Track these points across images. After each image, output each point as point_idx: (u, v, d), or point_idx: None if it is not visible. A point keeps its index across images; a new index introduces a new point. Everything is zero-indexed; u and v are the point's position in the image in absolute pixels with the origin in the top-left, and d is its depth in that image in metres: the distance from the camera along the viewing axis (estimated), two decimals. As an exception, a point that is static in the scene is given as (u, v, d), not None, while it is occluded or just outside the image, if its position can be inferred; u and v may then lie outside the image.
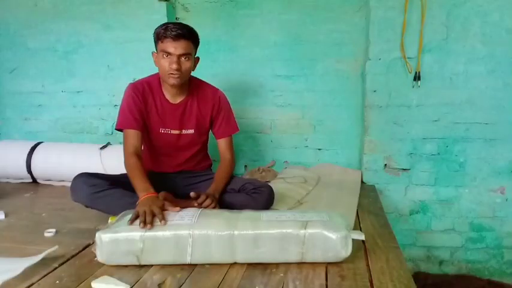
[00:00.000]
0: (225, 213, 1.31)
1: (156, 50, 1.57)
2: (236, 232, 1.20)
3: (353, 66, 2.29)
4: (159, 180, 1.67)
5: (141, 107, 1.62)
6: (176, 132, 1.69)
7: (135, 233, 1.19)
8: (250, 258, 1.21)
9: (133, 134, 1.58)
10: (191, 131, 1.71)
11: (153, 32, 1.55)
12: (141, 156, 1.58)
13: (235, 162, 1.81)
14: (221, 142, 1.76)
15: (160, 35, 1.49)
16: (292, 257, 1.20)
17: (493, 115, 2.06)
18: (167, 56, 1.51)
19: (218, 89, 1.77)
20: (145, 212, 1.23)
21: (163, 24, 1.51)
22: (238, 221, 1.23)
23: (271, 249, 1.20)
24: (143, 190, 1.38)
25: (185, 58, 1.52)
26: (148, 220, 1.20)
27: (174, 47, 1.49)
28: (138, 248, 1.19)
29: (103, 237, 1.19)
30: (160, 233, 1.20)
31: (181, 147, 1.73)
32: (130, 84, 1.65)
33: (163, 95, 1.66)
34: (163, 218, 1.22)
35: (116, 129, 1.64)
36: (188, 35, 1.51)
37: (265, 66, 2.37)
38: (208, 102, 1.72)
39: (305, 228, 1.19)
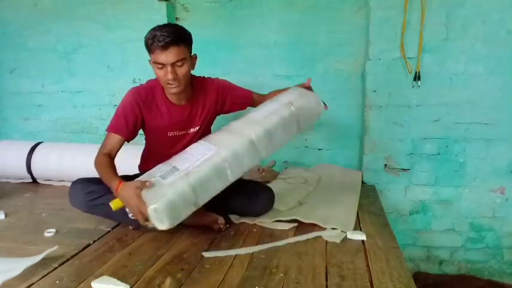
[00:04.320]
0: (229, 131, 1.47)
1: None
2: (253, 136, 1.39)
3: (353, 66, 2.28)
4: None
5: (138, 116, 1.55)
6: (183, 132, 1.65)
7: (183, 188, 1.26)
8: (269, 151, 1.44)
9: (117, 139, 1.52)
10: (196, 128, 1.67)
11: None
12: (113, 160, 1.53)
13: None
14: (254, 96, 1.76)
15: (149, 45, 1.43)
16: (294, 132, 1.50)
17: (493, 115, 2.06)
18: (161, 67, 1.44)
19: (215, 79, 1.72)
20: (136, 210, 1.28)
21: (151, 33, 1.44)
22: (245, 129, 1.42)
23: (280, 135, 1.44)
24: (113, 179, 1.36)
25: (180, 64, 1.44)
26: (142, 221, 1.28)
27: (166, 57, 1.41)
28: (191, 197, 1.27)
29: (159, 207, 1.21)
30: (202, 174, 1.29)
31: (186, 145, 1.70)
32: (133, 89, 1.58)
33: (168, 99, 1.60)
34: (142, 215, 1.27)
35: (106, 130, 1.57)
36: (177, 40, 1.41)
37: (265, 66, 2.37)
38: (212, 95, 1.67)
39: (293, 105, 1.47)
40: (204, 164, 1.31)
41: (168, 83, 1.46)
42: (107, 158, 1.48)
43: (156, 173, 1.36)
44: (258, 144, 1.39)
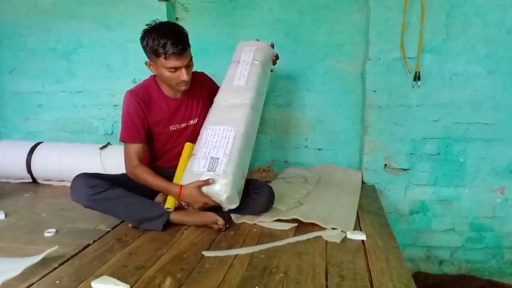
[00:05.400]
0: (226, 106, 1.66)
1: (150, 59, 1.57)
2: (250, 101, 1.65)
3: (353, 66, 2.28)
4: (166, 177, 1.67)
5: (143, 116, 1.61)
6: (184, 125, 1.72)
7: (234, 169, 1.47)
8: (261, 105, 1.76)
9: (137, 147, 1.59)
10: (196, 120, 1.74)
11: (141, 40, 1.54)
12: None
13: None
14: None
15: (160, 52, 1.48)
16: (267, 78, 1.84)
17: (493, 115, 2.06)
18: (174, 71, 1.53)
19: (199, 72, 1.82)
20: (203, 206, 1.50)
21: (158, 40, 1.47)
22: (239, 98, 1.66)
23: (263, 87, 1.78)
24: (172, 185, 1.52)
25: (190, 64, 1.57)
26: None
27: (181, 62, 1.51)
28: (240, 172, 1.51)
29: (231, 194, 1.44)
30: (238, 151, 1.51)
31: (188, 139, 1.73)
32: (129, 91, 1.64)
33: (165, 94, 1.67)
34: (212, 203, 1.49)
35: (120, 141, 1.63)
36: (186, 44, 1.52)
37: (265, 66, 2.36)
38: (204, 86, 1.78)
39: (256, 60, 1.79)
40: (234, 143, 1.53)
41: (180, 82, 1.56)
42: (144, 167, 1.57)
43: (197, 169, 1.51)
44: (255, 105, 1.67)
